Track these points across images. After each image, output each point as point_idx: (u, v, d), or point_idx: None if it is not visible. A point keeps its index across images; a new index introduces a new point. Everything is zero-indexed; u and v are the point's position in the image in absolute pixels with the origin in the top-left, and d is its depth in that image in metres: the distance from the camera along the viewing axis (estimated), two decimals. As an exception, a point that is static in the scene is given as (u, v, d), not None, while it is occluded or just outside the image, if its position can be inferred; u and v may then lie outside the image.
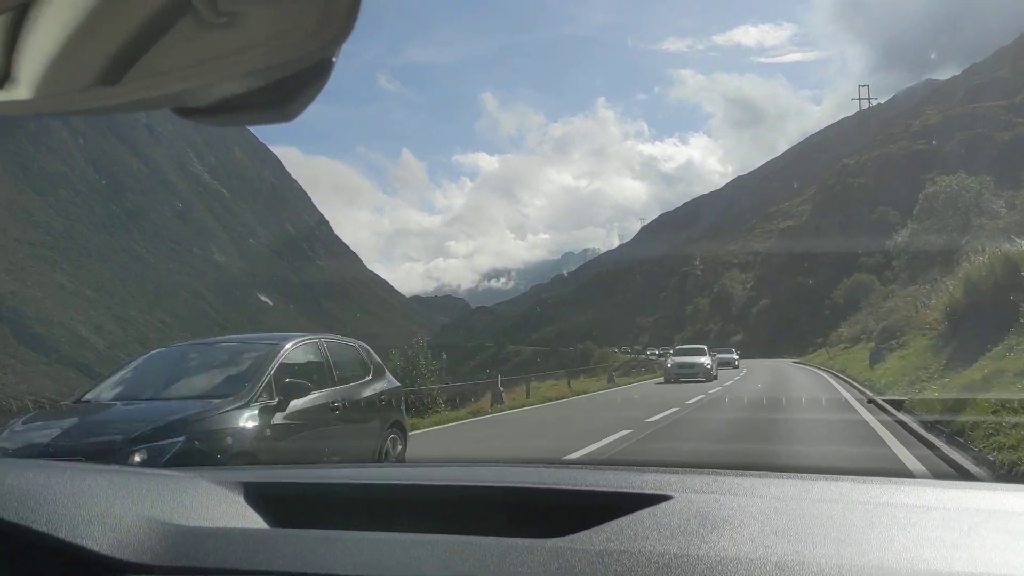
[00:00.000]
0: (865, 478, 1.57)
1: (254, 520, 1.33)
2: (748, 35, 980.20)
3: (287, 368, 7.03)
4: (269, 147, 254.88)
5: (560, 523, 1.19)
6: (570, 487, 1.44)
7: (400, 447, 8.59)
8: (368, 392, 8.23)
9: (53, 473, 1.30)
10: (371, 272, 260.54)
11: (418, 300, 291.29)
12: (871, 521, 1.23)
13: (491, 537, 1.14)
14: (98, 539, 1.10)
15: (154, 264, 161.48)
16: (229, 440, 6.03)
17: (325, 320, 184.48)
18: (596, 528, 1.16)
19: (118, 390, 7.01)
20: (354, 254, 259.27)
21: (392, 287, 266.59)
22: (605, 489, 1.41)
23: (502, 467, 1.62)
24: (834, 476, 1.57)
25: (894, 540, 1.12)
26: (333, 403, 7.44)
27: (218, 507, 1.33)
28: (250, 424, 6.28)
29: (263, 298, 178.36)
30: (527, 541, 1.11)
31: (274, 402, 6.61)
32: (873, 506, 1.34)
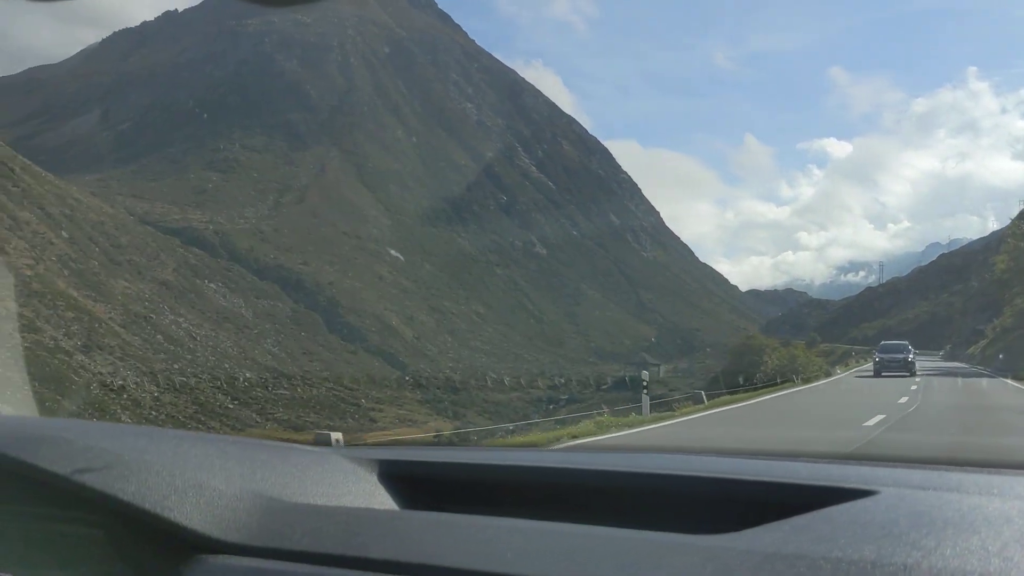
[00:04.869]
0: None
1: (382, 500, 1.24)
2: None
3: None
4: (602, 141, 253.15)
5: (729, 519, 1.02)
6: (748, 477, 1.21)
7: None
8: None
9: (155, 439, 1.23)
10: (703, 265, 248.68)
11: (754, 294, 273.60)
12: None
13: (635, 531, 1.00)
14: (188, 512, 1.03)
15: (474, 255, 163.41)
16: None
17: (643, 313, 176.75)
18: (769, 525, 0.97)
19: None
20: (685, 246, 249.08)
21: (726, 280, 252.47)
22: (791, 481, 1.17)
23: (672, 456, 1.42)
24: None
25: None
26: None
27: (345, 484, 1.24)
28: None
29: (582, 289, 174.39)
30: (679, 537, 0.96)
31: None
32: None
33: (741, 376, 36.52)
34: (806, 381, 37.89)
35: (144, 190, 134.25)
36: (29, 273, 67.40)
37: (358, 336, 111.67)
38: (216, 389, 68.59)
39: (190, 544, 1.03)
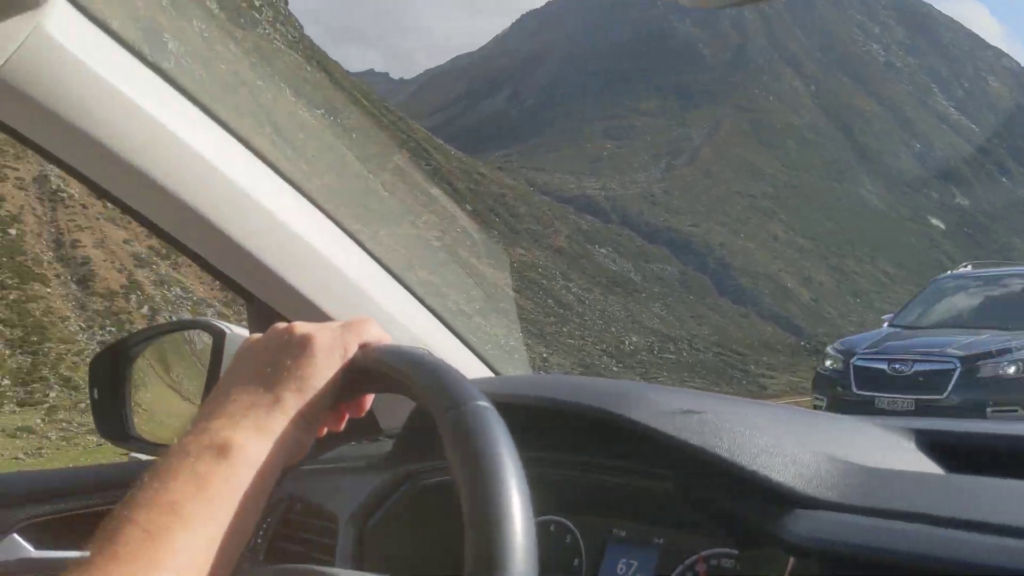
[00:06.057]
0: None
1: (927, 466, 1.21)
2: None
3: None
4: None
5: None
6: None
7: None
8: None
9: (715, 401, 1.26)
10: None
11: None
12: None
13: None
14: (779, 470, 1.05)
15: (884, 211, 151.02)
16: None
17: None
18: None
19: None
20: None
21: None
22: None
23: None
24: None
25: None
26: None
27: (888, 451, 1.22)
28: None
29: (1014, 243, 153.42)
30: None
31: None
32: None
33: None
34: None
35: (544, 162, 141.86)
36: (436, 244, 74.09)
37: (750, 299, 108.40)
38: (602, 352, 70.31)
39: (784, 500, 1.04)
